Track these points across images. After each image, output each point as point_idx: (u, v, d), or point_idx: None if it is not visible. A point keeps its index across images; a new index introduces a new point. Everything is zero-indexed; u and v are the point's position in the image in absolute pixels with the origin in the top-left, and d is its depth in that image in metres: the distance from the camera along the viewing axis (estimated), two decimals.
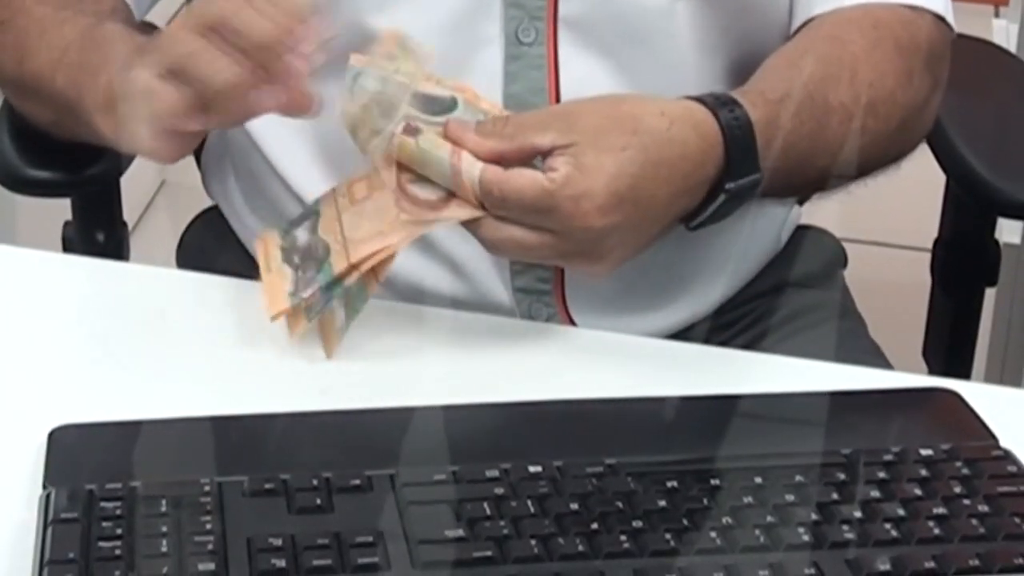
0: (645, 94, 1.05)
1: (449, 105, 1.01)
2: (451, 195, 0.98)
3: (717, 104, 1.02)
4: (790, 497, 0.86)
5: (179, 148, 1.03)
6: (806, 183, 1.12)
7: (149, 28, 1.23)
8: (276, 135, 1.19)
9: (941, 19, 1.17)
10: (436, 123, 1.00)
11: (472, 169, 0.97)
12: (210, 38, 0.97)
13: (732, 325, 1.26)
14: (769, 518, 0.84)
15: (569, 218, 0.97)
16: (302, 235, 1.03)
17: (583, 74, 1.14)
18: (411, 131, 0.98)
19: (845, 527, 0.84)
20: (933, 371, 1.38)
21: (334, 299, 1.00)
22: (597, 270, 1.01)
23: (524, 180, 0.97)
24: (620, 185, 0.97)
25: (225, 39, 0.97)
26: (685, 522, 0.84)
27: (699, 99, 1.03)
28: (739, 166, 1.02)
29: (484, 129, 0.99)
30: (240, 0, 0.97)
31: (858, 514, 0.85)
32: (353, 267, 0.98)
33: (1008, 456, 0.91)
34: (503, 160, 0.98)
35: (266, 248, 1.04)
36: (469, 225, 0.99)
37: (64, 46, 1.11)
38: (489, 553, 0.81)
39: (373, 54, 1.01)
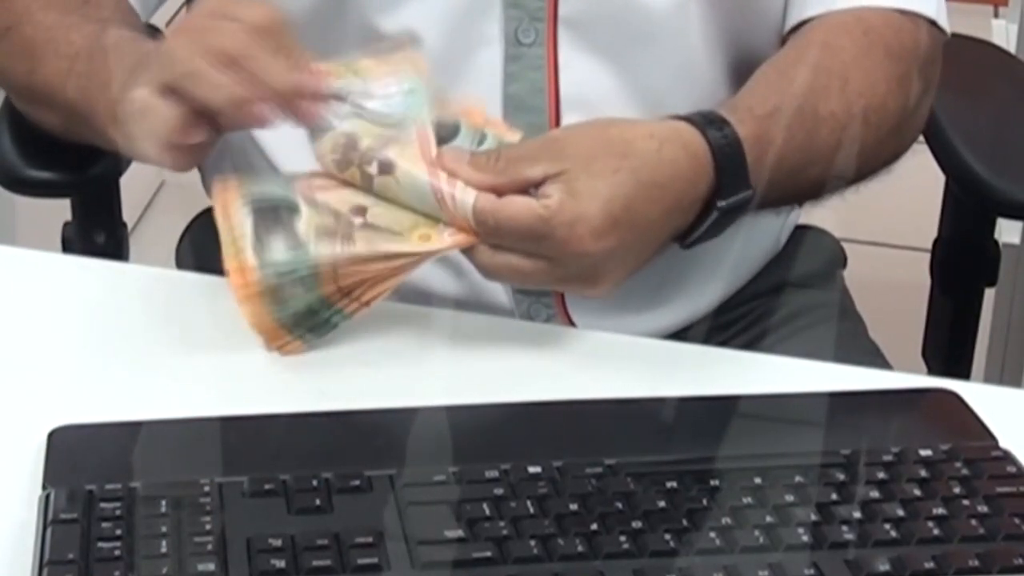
0: (632, 118, 1.05)
1: (452, 132, 1.01)
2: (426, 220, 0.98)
3: (705, 123, 1.02)
4: (790, 497, 0.86)
5: (190, 158, 1.03)
6: (798, 194, 1.12)
7: (154, 31, 1.23)
8: (276, 134, 1.18)
9: (932, 22, 1.17)
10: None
11: (466, 197, 0.97)
12: (209, 59, 0.97)
13: (731, 325, 1.26)
14: (769, 518, 0.84)
15: (564, 243, 0.96)
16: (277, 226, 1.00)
17: (583, 75, 1.14)
18: (386, 168, 0.98)
19: (845, 527, 0.84)
20: (932, 371, 1.38)
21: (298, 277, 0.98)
22: (594, 293, 1.01)
23: (518, 207, 0.97)
24: (614, 208, 0.97)
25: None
26: (685, 522, 0.84)
27: (687, 118, 1.03)
28: (730, 184, 1.02)
29: (477, 164, 0.99)
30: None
31: (858, 514, 0.85)
32: (340, 289, 0.98)
33: (1008, 456, 0.91)
34: (497, 195, 0.97)
35: (226, 206, 1.01)
36: (465, 251, 0.99)
37: (73, 54, 1.10)
38: (489, 553, 0.81)
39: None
